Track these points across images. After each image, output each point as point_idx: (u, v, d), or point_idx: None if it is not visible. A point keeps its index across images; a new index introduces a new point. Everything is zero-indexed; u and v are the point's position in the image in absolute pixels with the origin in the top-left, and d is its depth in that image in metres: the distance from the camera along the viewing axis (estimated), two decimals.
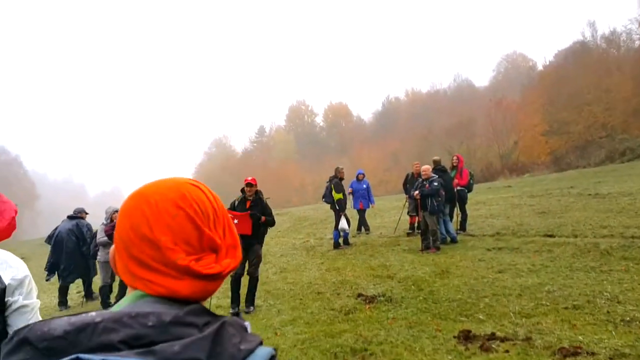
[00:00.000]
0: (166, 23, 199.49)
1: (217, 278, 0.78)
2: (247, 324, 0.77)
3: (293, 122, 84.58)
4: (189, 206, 0.78)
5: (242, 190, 6.88)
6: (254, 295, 6.88)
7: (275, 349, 0.74)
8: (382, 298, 6.65)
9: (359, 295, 6.91)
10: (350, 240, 11.46)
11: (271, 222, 6.81)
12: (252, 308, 6.75)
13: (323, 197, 11.29)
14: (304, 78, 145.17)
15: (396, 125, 70.45)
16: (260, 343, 0.74)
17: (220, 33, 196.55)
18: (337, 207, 10.81)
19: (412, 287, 7.02)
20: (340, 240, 11.12)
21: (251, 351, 0.70)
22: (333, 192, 10.84)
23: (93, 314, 0.67)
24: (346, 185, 11.89)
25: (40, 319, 1.40)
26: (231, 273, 1.01)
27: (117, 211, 8.02)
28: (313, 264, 9.65)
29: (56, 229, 9.06)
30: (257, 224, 6.60)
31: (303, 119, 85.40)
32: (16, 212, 2.01)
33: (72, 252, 8.73)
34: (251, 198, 6.77)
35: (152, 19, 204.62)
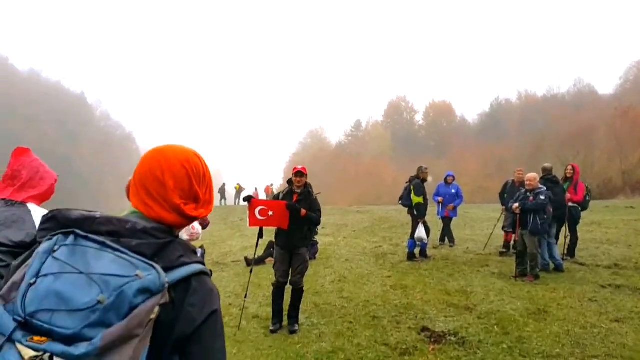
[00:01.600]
0: (272, 14, 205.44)
1: (191, 219, 1.20)
2: (199, 250, 1.19)
3: (391, 118, 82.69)
4: (190, 167, 1.19)
5: (289, 182, 5.67)
6: (298, 309, 5.66)
7: (205, 270, 1.12)
8: (452, 338, 5.10)
9: (424, 329, 5.40)
10: (429, 252, 9.82)
11: (315, 220, 5.51)
12: (296, 326, 5.52)
13: (400, 200, 9.75)
14: (407, 73, 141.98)
15: (504, 129, 65.93)
16: (199, 263, 1.10)
17: (323, 25, 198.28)
18: (416, 213, 9.24)
19: (496, 327, 5.35)
20: (416, 251, 9.54)
21: (186, 264, 1.07)
22: (412, 195, 9.27)
23: (97, 213, 1.08)
24: (432, 189, 10.28)
25: None
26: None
27: None
28: (378, 276, 8.20)
29: None
30: (296, 220, 5.36)
31: (402, 115, 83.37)
32: (56, 181, 2.57)
33: None
34: (299, 191, 5.54)
35: (260, 10, 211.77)
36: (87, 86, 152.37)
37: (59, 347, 0.85)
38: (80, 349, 0.84)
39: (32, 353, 0.85)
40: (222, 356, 1.12)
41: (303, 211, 5.31)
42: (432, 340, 5.07)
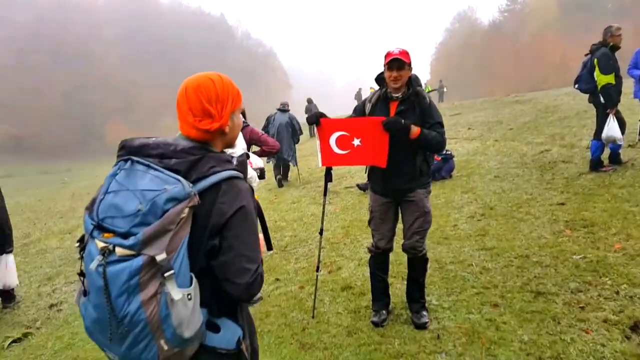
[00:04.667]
0: None
1: (208, 132, 1.42)
2: (234, 157, 1.47)
3: None
4: (200, 90, 1.41)
5: (379, 81, 3.28)
6: (423, 289, 3.50)
7: (234, 175, 1.38)
8: None
9: (636, 326, 2.91)
10: (624, 156, 6.64)
11: (435, 143, 3.09)
12: (425, 316, 3.39)
13: (576, 82, 6.52)
14: None
15: None
16: (231, 170, 1.37)
17: None
18: (603, 100, 6.06)
19: None
20: (604, 157, 6.46)
21: (217, 172, 1.34)
22: (597, 73, 6.03)
23: (152, 139, 1.39)
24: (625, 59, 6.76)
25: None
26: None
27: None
28: (544, 203, 5.52)
29: (272, 120, 10.21)
30: (402, 147, 3.07)
31: None
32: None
33: (288, 142, 10.02)
34: (400, 95, 3.15)
35: None
36: (226, 8, 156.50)
37: (118, 240, 1.19)
38: (130, 240, 1.17)
39: (103, 244, 1.21)
40: (250, 240, 1.39)
41: (414, 129, 2.99)
42: None
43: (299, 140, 10.45)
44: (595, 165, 6.43)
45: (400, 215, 3.34)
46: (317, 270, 3.73)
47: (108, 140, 61.04)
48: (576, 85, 6.48)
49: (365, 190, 7.44)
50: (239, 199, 1.35)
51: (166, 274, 1.18)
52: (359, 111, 3.40)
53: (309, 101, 21.41)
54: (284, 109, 10.35)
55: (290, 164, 10.40)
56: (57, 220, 10.42)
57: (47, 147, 54.39)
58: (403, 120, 2.96)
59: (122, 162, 1.32)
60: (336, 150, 3.21)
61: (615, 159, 6.48)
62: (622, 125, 6.14)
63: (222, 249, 1.34)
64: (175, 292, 1.20)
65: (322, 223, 3.62)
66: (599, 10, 61.77)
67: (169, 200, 1.20)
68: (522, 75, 56.58)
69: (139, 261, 1.16)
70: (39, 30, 64.63)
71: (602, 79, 5.97)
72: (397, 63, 3.02)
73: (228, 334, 1.39)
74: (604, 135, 6.14)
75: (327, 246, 5.28)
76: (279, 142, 10.37)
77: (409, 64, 3.07)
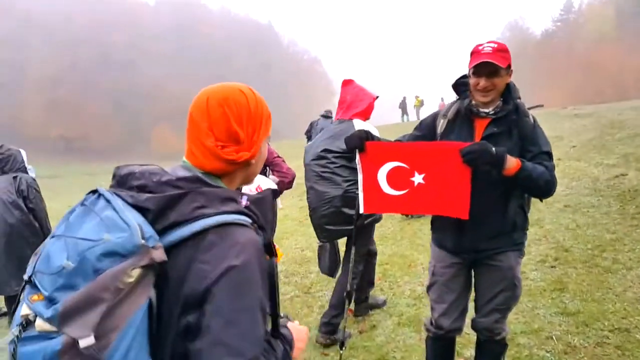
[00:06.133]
0: None
1: (232, 163, 1.06)
2: (244, 196, 1.03)
3: None
4: (228, 105, 1.04)
5: (458, 86, 2.33)
6: None
7: (234, 221, 0.94)
8: None
9: None
10: None
11: (541, 184, 2.06)
12: None
13: None
14: None
15: None
16: (235, 213, 0.96)
17: None
18: None
19: None
20: None
21: (205, 215, 0.92)
22: None
23: (136, 168, 1.01)
24: None
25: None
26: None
27: None
28: (634, 251, 4.40)
29: (315, 125, 9.87)
30: (489, 187, 2.13)
31: None
32: (375, 99, 3.37)
33: None
34: (491, 109, 2.19)
35: None
36: (274, 16, 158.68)
37: (39, 307, 0.85)
38: (50, 311, 0.82)
39: (26, 310, 0.87)
40: (243, 318, 0.90)
41: (511, 162, 2.01)
42: None
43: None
44: None
45: (474, 281, 2.39)
46: (342, 347, 2.79)
47: (154, 145, 62.43)
48: None
49: (410, 216, 6.44)
50: (230, 256, 0.91)
51: None
52: (426, 129, 2.39)
53: (420, 100, 19.15)
54: (327, 116, 10.21)
55: None
56: None
57: (94, 149, 55.94)
58: (494, 149, 1.98)
59: (89, 195, 1.00)
60: (387, 189, 2.25)
61: None
62: None
63: (199, 330, 0.90)
64: None
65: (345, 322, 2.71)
66: None
67: (104, 256, 0.83)
68: (577, 87, 53.95)
69: (56, 344, 0.80)
70: (91, 36, 67.01)
71: None
72: (489, 68, 2.06)
73: None
74: None
75: None
76: None
77: (507, 68, 2.11)
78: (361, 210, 2.31)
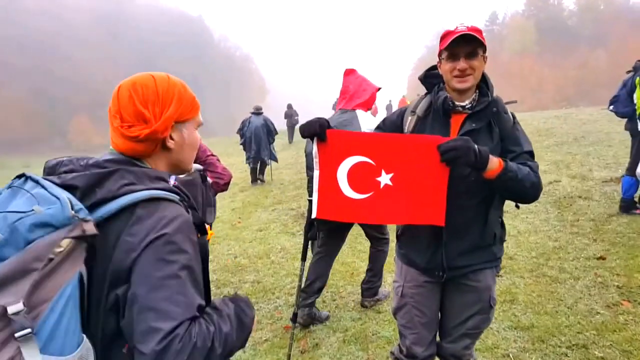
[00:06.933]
0: None
1: (138, 140, 1.04)
2: (173, 176, 1.09)
3: (534, 5, 72.10)
4: (134, 89, 1.05)
5: (428, 80, 1.98)
6: None
7: (160, 196, 0.96)
8: None
9: None
10: None
11: (526, 186, 1.71)
12: None
13: (611, 103, 5.40)
14: None
15: None
16: (160, 190, 0.98)
17: None
18: None
19: None
20: (637, 197, 5.37)
21: (132, 191, 0.94)
22: (637, 94, 4.94)
23: (65, 158, 1.05)
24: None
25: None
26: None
27: None
28: (579, 259, 4.35)
29: (247, 123, 10.28)
30: (468, 193, 1.80)
31: (547, 1, 71.92)
32: (377, 90, 3.39)
33: (265, 142, 10.15)
34: (467, 102, 1.84)
35: None
36: (205, 9, 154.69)
37: None
38: None
39: None
40: (171, 284, 0.90)
41: (494, 162, 1.66)
42: None
43: (274, 139, 10.42)
44: (628, 206, 5.32)
45: (442, 300, 2.05)
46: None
47: (71, 136, 58.50)
48: (611, 107, 5.39)
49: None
50: (158, 227, 0.92)
51: (18, 334, 0.79)
52: (392, 127, 2.03)
53: (289, 107, 19.54)
54: (257, 112, 10.37)
55: (269, 161, 10.41)
56: None
57: (4, 141, 51.31)
58: (477, 147, 1.63)
59: (16, 179, 0.99)
60: (347, 191, 1.83)
61: None
62: None
63: (127, 302, 0.90)
64: None
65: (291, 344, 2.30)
66: (574, 37, 63.59)
67: (36, 226, 0.84)
68: (501, 94, 57.09)
69: None
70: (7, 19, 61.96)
71: None
72: (467, 48, 1.72)
73: None
74: (639, 170, 5.05)
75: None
76: (256, 144, 10.11)
77: (482, 54, 1.77)
78: (314, 215, 1.88)
